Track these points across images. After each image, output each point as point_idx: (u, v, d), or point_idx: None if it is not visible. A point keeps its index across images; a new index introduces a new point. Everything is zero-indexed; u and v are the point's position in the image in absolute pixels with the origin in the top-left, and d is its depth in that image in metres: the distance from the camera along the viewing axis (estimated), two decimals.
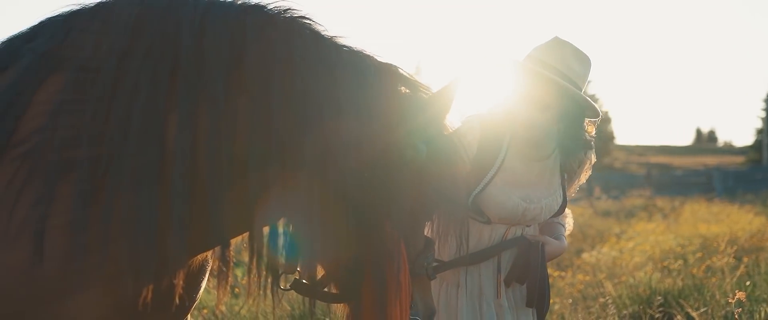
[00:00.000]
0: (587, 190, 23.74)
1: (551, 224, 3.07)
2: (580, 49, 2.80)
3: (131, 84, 1.91)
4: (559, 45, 2.80)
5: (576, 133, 2.82)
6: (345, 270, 2.11)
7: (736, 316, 3.48)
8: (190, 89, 1.93)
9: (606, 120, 56.50)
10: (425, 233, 2.36)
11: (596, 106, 2.83)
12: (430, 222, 2.40)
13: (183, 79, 1.94)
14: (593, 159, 3.02)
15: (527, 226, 2.97)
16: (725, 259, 6.48)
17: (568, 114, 2.77)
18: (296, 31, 2.05)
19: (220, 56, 1.96)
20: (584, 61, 2.81)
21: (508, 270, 2.90)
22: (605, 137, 55.34)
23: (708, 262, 6.66)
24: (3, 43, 2.13)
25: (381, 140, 2.04)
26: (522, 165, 2.90)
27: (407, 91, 2.16)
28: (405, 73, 2.17)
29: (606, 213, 16.68)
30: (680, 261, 6.81)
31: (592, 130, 2.94)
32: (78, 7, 2.07)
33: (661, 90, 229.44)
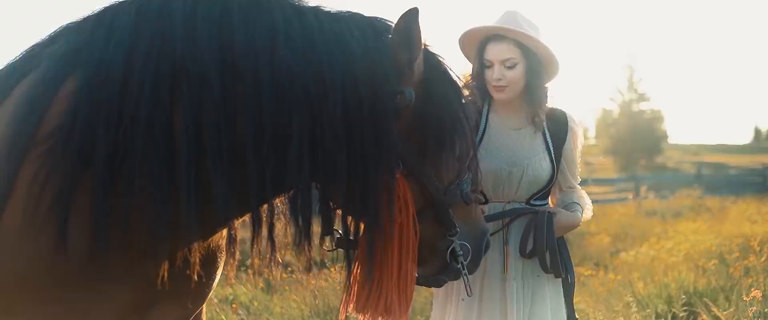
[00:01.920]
0: (634, 190, 23.32)
1: (568, 206, 3.17)
2: (529, 17, 3.06)
3: (137, 81, 2.03)
4: (511, 13, 3.06)
5: (541, 83, 3.06)
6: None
7: (750, 314, 3.45)
8: (191, 80, 2.04)
9: (658, 118, 54.99)
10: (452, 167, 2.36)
11: (557, 57, 3.04)
12: (451, 157, 2.35)
13: (182, 71, 2.05)
14: (579, 132, 3.19)
15: (529, 205, 3.06)
16: (763, 258, 6.36)
17: (532, 69, 3.01)
18: (278, 9, 2.13)
19: (211, 45, 2.06)
20: (535, 26, 3.05)
21: (518, 242, 3.02)
22: (658, 136, 53.93)
23: (745, 262, 6.56)
24: (26, 50, 2.29)
25: (368, 100, 2.09)
26: (502, 133, 3.09)
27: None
28: (390, 23, 2.21)
29: (651, 213, 16.37)
30: (714, 261, 6.71)
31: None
32: (88, 14, 2.21)
33: (716, 87, 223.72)
